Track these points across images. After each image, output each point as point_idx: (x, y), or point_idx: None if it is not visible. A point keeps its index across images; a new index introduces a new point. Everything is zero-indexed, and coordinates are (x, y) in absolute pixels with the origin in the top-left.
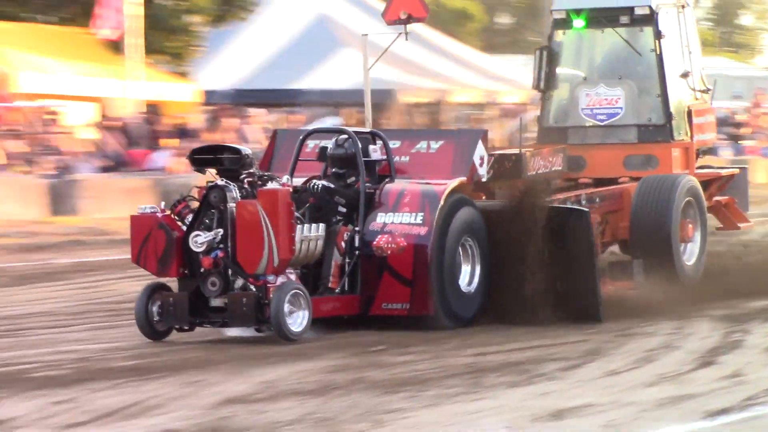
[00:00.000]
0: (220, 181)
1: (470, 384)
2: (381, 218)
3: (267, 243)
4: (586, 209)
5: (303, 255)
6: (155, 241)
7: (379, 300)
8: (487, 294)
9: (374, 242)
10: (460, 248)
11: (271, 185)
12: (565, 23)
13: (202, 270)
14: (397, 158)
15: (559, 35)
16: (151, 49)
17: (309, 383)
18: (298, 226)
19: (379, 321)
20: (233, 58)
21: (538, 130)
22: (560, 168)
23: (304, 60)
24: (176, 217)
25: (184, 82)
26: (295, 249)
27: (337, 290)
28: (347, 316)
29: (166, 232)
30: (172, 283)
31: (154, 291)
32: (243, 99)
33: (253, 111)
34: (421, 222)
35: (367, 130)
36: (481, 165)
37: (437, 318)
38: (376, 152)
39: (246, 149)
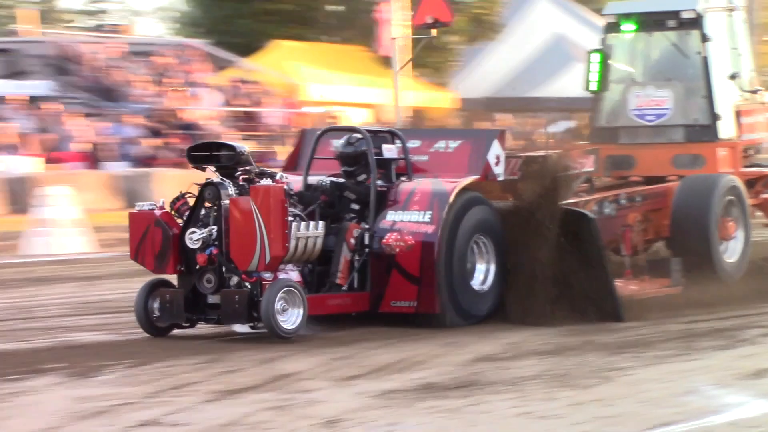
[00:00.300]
0: (216, 178)
1: (683, 347)
2: (391, 216)
3: (259, 240)
4: (592, 215)
5: (300, 252)
6: (152, 238)
7: (388, 297)
8: (502, 292)
9: (384, 240)
10: (473, 246)
11: (264, 182)
12: (615, 27)
13: (197, 267)
14: (416, 157)
15: (610, 38)
16: (416, 63)
17: (547, 345)
18: (295, 224)
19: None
20: (484, 72)
21: (591, 130)
22: (591, 169)
23: (543, 72)
24: (175, 214)
25: (444, 92)
26: (289, 246)
27: (344, 287)
28: (355, 313)
29: (163, 229)
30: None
31: (154, 287)
32: (492, 106)
33: (499, 116)
34: (428, 220)
35: (386, 129)
36: (496, 164)
37: (446, 316)
38: (390, 151)
39: (242, 146)
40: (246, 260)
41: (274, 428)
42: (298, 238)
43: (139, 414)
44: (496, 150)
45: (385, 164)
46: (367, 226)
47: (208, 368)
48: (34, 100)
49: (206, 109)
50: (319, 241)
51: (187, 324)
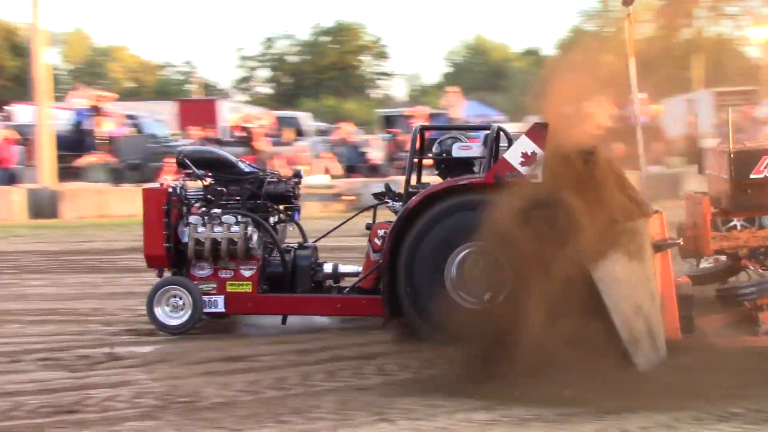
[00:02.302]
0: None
1: None
2: None
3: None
4: None
5: (208, 252)
6: None
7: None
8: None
9: None
10: (461, 256)
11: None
12: None
13: None
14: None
15: None
16: None
17: None
18: (193, 225)
19: None
20: None
21: None
22: None
23: None
24: None
25: None
26: (169, 247)
27: (346, 289)
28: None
29: None
30: None
31: None
32: None
33: None
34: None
35: (484, 124)
36: (523, 164)
37: (415, 329)
38: (467, 150)
39: (185, 151)
40: None
41: None
42: (196, 239)
43: None
44: (524, 147)
45: (459, 164)
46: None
47: None
48: None
49: None
50: (240, 242)
51: None
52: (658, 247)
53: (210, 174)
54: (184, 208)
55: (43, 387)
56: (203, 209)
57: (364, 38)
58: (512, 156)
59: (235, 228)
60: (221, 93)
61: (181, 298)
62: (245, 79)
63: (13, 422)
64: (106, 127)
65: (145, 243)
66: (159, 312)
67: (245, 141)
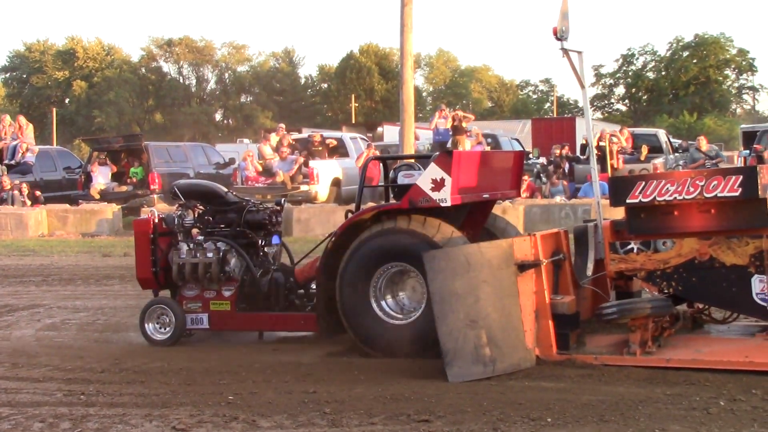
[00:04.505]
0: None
1: None
2: None
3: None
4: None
5: (189, 275)
6: None
7: None
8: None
9: None
10: (401, 278)
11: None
12: None
13: None
14: None
15: None
16: None
17: None
18: (180, 250)
19: None
20: None
21: None
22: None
23: None
24: None
25: None
26: (155, 271)
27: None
28: None
29: None
30: None
31: None
32: None
33: None
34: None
35: (428, 153)
36: (434, 189)
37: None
38: (410, 177)
39: (179, 184)
40: None
41: None
42: (178, 263)
43: None
44: (433, 173)
45: (403, 191)
46: None
47: None
48: None
49: None
50: (214, 266)
51: None
52: (522, 267)
53: (199, 204)
54: (180, 235)
55: None
56: (199, 236)
57: (729, 52)
58: (423, 182)
59: (210, 254)
60: (577, 111)
61: (167, 316)
62: (601, 96)
63: None
64: (465, 146)
65: (136, 267)
66: (149, 327)
67: (598, 158)
